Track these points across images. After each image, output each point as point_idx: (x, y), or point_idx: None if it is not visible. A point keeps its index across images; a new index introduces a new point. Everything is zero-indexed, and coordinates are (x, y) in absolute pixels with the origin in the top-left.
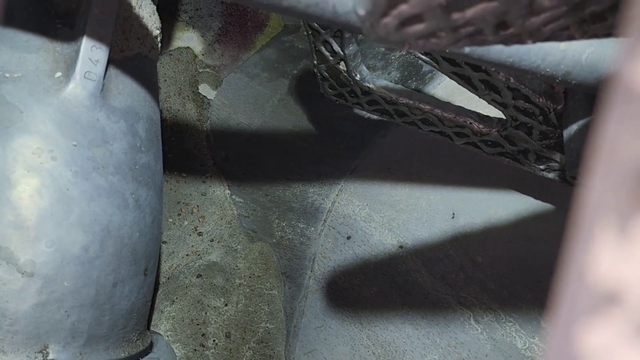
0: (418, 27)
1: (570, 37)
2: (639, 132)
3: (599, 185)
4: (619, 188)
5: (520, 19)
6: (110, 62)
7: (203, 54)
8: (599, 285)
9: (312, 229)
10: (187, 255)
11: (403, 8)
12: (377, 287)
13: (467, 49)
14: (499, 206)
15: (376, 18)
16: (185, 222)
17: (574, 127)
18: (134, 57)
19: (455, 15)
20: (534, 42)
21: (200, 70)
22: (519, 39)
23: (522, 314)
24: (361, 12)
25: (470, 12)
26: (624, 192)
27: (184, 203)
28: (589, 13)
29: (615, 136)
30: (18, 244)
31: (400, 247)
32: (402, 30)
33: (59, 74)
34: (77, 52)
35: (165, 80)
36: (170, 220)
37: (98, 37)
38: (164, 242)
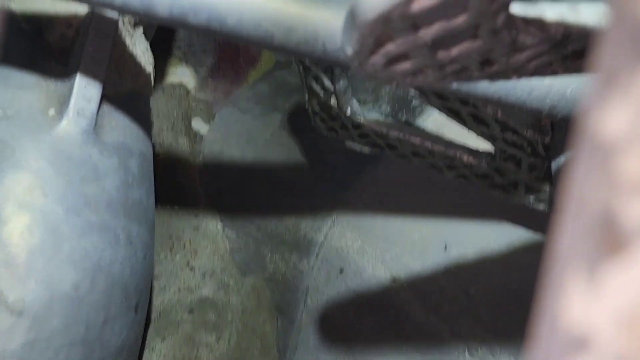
0: (405, 65)
1: (554, 73)
2: (603, 182)
3: (569, 232)
4: (587, 235)
5: (504, 57)
6: (104, 98)
7: (196, 89)
8: (570, 330)
9: (305, 262)
10: (178, 290)
11: (390, 47)
12: (371, 320)
13: (454, 85)
14: (491, 237)
15: (364, 57)
16: (177, 257)
17: (562, 159)
18: (127, 94)
19: (441, 54)
20: (519, 77)
21: (193, 105)
22: (504, 75)
23: (517, 346)
24: (349, 51)
25: (455, 51)
26: (592, 239)
27: (175, 237)
28: (570, 50)
29: (581, 184)
30: (7, 282)
31: (394, 280)
32: (389, 68)
33: (52, 111)
34: (71, 89)
35: (158, 116)
36: (162, 254)
37: (92, 74)
38: (156, 278)
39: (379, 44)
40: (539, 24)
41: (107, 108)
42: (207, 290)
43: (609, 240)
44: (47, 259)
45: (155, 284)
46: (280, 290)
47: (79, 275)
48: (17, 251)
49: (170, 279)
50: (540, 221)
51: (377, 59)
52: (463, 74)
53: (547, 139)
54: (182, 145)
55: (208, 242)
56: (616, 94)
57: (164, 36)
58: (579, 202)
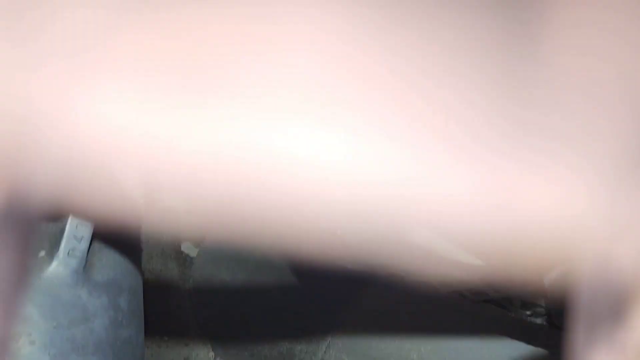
0: None
1: None
2: None
3: None
4: None
5: None
6: (94, 236)
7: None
8: None
9: None
10: None
11: None
12: None
13: None
14: (491, 353)
15: None
16: None
17: (553, 274)
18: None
19: None
20: None
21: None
22: None
23: None
24: None
25: None
26: None
27: None
28: None
29: None
30: None
31: None
32: None
33: (42, 253)
34: (62, 230)
35: (148, 242)
36: None
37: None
38: None
39: None
40: None
41: (97, 245)
42: None
43: None
44: None
45: None
46: None
47: None
48: None
49: None
50: (540, 336)
51: None
52: None
53: None
54: (172, 270)
55: None
56: None
57: None
58: None
